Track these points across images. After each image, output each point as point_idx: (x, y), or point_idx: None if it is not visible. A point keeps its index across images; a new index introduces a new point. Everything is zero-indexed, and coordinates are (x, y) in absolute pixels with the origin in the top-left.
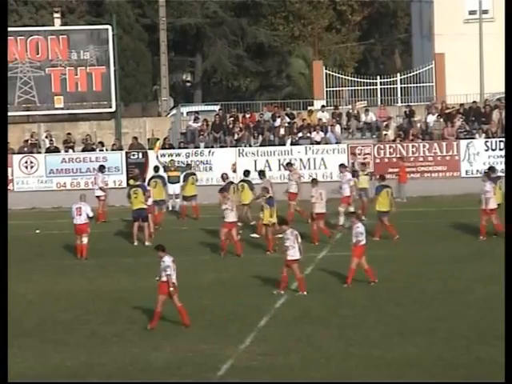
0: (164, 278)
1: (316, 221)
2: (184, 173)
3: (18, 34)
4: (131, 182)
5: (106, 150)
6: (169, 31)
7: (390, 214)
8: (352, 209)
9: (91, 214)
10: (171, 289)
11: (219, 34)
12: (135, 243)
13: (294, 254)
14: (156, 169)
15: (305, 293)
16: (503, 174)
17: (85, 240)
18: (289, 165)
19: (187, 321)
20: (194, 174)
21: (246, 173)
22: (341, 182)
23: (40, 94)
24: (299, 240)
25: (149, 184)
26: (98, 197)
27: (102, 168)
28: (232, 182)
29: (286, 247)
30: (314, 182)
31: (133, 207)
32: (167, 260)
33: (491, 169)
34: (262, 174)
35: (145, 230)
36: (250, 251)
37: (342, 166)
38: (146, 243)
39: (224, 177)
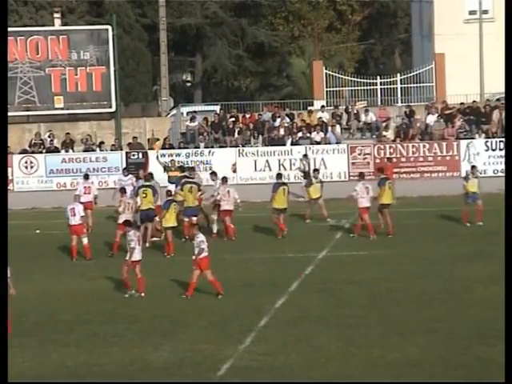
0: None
1: (222, 217)
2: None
3: (18, 34)
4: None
5: (106, 150)
6: (169, 31)
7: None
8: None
9: (83, 214)
10: None
11: (219, 34)
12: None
13: (136, 255)
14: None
15: (142, 294)
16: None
17: (85, 241)
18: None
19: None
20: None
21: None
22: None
23: (40, 94)
24: (141, 242)
25: (137, 194)
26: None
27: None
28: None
29: (132, 249)
30: (224, 180)
31: (141, 207)
32: None
33: (379, 169)
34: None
35: (148, 230)
36: (249, 251)
37: (212, 173)
38: (147, 244)
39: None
